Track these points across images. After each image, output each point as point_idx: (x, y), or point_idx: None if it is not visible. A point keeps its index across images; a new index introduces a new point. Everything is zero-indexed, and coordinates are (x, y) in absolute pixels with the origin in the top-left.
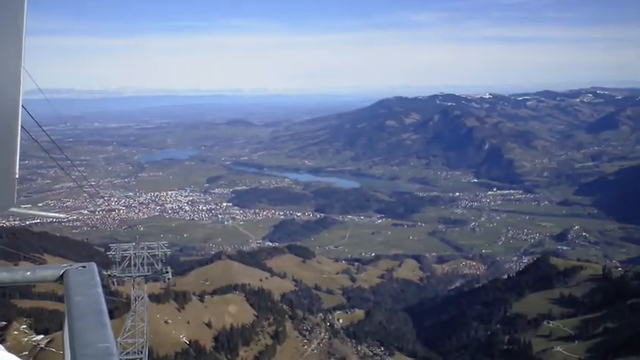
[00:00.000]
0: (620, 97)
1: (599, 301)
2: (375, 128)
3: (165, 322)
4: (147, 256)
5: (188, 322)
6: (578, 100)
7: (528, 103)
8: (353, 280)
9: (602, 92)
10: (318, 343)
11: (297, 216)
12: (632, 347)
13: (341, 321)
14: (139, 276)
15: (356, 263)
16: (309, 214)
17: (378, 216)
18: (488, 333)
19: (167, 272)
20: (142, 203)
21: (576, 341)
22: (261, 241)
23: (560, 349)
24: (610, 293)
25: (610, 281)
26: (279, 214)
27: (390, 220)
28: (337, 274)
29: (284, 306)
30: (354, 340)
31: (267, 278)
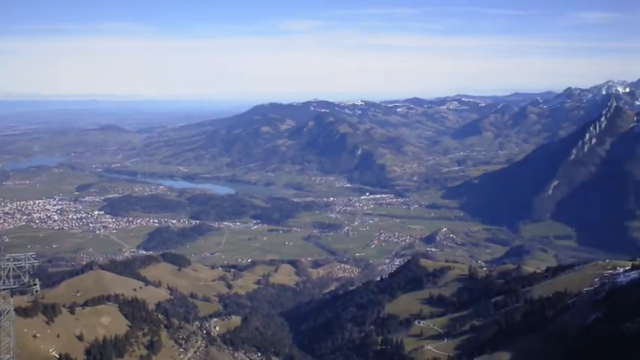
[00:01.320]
0: (483, 105)
1: (466, 300)
2: (250, 134)
3: (34, 336)
4: (13, 268)
5: (58, 336)
6: (444, 107)
7: (398, 110)
8: (229, 286)
9: (466, 100)
10: (195, 352)
11: (172, 223)
12: (496, 343)
13: (217, 328)
14: (4, 289)
15: (232, 270)
16: (184, 222)
17: (254, 222)
18: (362, 334)
19: (35, 284)
20: (6, 213)
21: (445, 339)
22: (134, 249)
23: (431, 348)
24: (476, 292)
25: (476, 281)
26: (153, 221)
27: (265, 225)
28: (213, 281)
29: (159, 315)
30: (230, 347)
31: (141, 288)
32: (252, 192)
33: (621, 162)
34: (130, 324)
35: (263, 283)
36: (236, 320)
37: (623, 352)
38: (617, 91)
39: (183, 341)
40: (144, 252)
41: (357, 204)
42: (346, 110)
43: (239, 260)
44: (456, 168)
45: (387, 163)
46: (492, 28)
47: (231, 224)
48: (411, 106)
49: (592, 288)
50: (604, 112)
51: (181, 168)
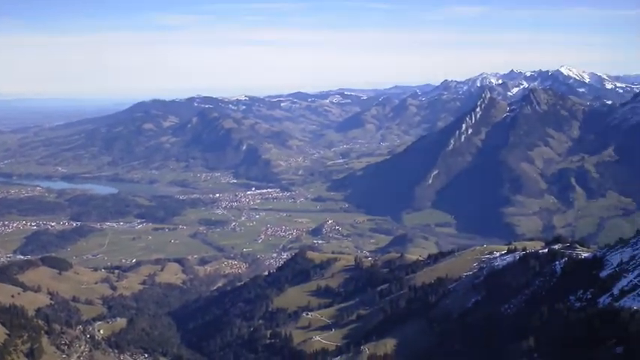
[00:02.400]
0: (365, 98)
1: (353, 289)
2: (132, 132)
3: None
4: None
5: None
6: (327, 101)
7: (282, 104)
8: (114, 288)
9: (349, 93)
10: (78, 357)
11: (52, 226)
12: (382, 330)
13: (102, 331)
14: None
15: (116, 271)
16: (64, 224)
17: (139, 221)
18: (251, 329)
19: None
20: None
21: (333, 329)
22: (11, 254)
23: (319, 339)
24: (362, 282)
25: (362, 270)
26: (30, 224)
27: (150, 224)
28: (96, 283)
29: (39, 321)
30: (116, 350)
31: (19, 294)
32: (136, 191)
33: (496, 151)
34: (7, 332)
35: (149, 283)
36: (121, 322)
37: (500, 332)
38: (490, 82)
39: (66, 347)
40: (21, 257)
41: (243, 199)
42: (230, 106)
43: (123, 261)
44: (340, 161)
45: (272, 158)
46: (372, 22)
47: (114, 224)
48: (295, 100)
49: (471, 272)
50: (479, 103)
51: (60, 168)
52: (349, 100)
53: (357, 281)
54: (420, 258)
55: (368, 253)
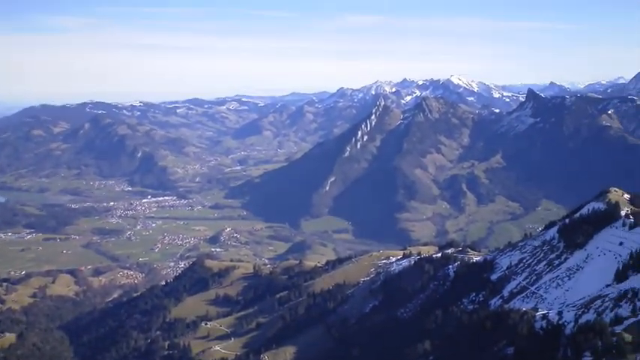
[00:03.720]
0: (262, 105)
1: (252, 297)
2: (20, 138)
3: None
4: None
5: None
6: (224, 107)
7: (179, 110)
8: (2, 302)
9: (246, 100)
10: None
11: None
12: (282, 338)
13: None
14: None
15: (4, 284)
16: None
17: (28, 231)
18: (149, 341)
19: None
20: None
21: (232, 338)
22: None
23: (218, 348)
24: (261, 289)
25: (260, 278)
26: None
27: (41, 234)
28: None
29: None
30: None
31: None
32: (25, 199)
33: (390, 157)
34: None
35: (40, 296)
36: (10, 337)
37: (397, 336)
38: (384, 91)
39: None
40: None
41: (138, 207)
42: (124, 111)
43: (12, 273)
44: (238, 168)
45: (168, 165)
46: (269, 29)
47: (1, 235)
48: (192, 106)
49: (368, 278)
50: (374, 110)
51: None
52: (246, 107)
53: (256, 289)
54: (319, 264)
55: (267, 261)
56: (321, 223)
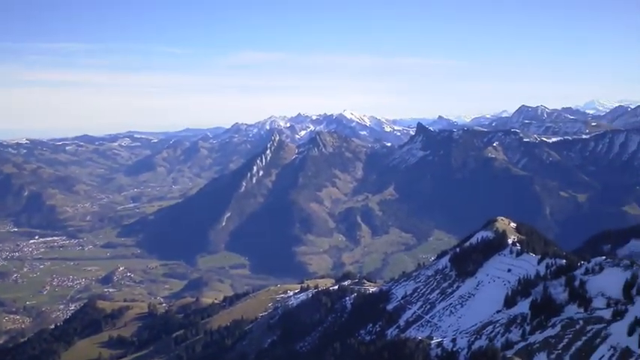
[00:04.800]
0: (155, 141)
1: (147, 338)
2: None
3: None
4: None
5: None
6: (116, 144)
7: (68, 147)
8: None
9: (138, 136)
10: None
11: None
12: None
13: None
14: None
15: None
16: None
17: None
18: None
19: None
20: None
21: None
22: None
23: None
24: (157, 329)
25: (156, 317)
26: None
27: None
28: None
29: None
30: None
31: None
32: None
33: (286, 192)
34: None
35: None
36: None
37: None
38: (279, 125)
39: None
40: None
41: (25, 249)
42: (10, 149)
43: None
44: (131, 205)
45: (57, 204)
46: (163, 65)
47: None
48: (81, 143)
49: (267, 313)
50: (269, 145)
51: None
52: (139, 143)
53: (151, 329)
54: (216, 301)
55: (162, 299)
56: (217, 259)
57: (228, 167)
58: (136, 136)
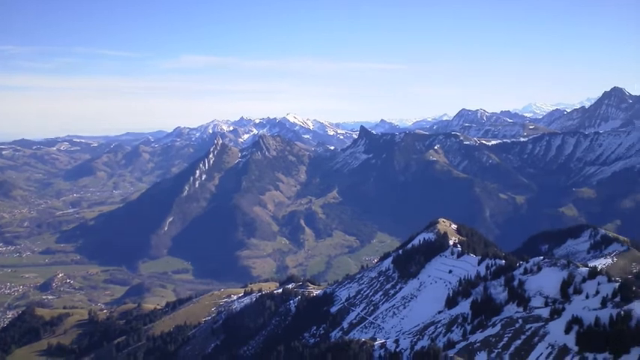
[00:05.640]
0: (95, 145)
1: (87, 345)
2: None
3: None
4: None
5: None
6: (55, 148)
7: (4, 152)
8: None
9: (78, 140)
10: None
11: None
12: None
13: None
14: None
15: None
16: None
17: None
18: None
19: None
20: None
21: None
22: None
23: None
24: (97, 336)
25: (97, 324)
26: None
27: None
28: None
29: None
30: None
31: None
32: None
33: (229, 196)
34: None
35: None
36: None
37: None
38: (222, 129)
39: None
40: None
41: None
42: None
43: None
44: (71, 210)
45: None
46: (104, 69)
47: None
48: (19, 147)
49: (210, 317)
50: (211, 149)
51: None
52: (78, 148)
53: (91, 336)
54: (158, 307)
55: (103, 306)
56: (160, 265)
57: (170, 171)
58: (75, 140)
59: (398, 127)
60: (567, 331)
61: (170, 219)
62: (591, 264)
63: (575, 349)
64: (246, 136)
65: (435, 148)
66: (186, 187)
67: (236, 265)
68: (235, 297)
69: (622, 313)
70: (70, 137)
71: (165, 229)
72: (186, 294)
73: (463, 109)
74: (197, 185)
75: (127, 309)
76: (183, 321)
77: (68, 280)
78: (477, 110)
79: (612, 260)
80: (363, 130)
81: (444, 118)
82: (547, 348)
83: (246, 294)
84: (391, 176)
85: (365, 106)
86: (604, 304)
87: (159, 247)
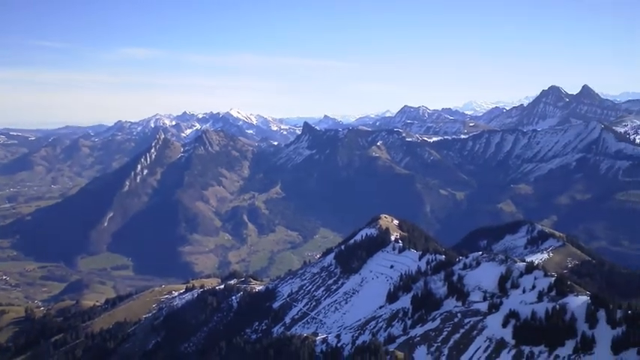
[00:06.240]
0: (33, 139)
1: (24, 343)
2: None
3: None
4: None
5: None
6: None
7: None
8: None
9: (14, 134)
10: None
11: None
12: None
13: None
14: None
15: None
16: None
17: None
18: None
19: None
20: None
21: None
22: None
23: None
24: (34, 333)
25: (33, 322)
26: None
27: None
28: None
29: None
30: None
31: None
32: None
33: (172, 191)
34: None
35: None
36: None
37: None
38: (164, 124)
39: None
40: None
41: None
42: None
43: None
44: (7, 205)
45: None
46: (38, 60)
47: None
48: None
49: (151, 314)
50: (153, 144)
51: None
52: (15, 141)
53: (28, 334)
54: (97, 304)
55: (40, 303)
56: (99, 261)
57: (111, 166)
58: (12, 133)
59: (341, 123)
60: (505, 324)
61: (110, 214)
62: (528, 259)
63: (512, 342)
64: (188, 131)
65: (378, 144)
66: (128, 182)
67: (178, 261)
68: (177, 293)
69: (557, 307)
70: (6, 130)
71: (105, 224)
72: (127, 290)
73: (405, 106)
74: (138, 180)
75: (65, 306)
76: (122, 318)
77: (4, 277)
78: (419, 107)
79: (548, 255)
80: (307, 126)
81: (387, 115)
82: (485, 341)
83: (187, 290)
84: (334, 172)
85: (309, 102)
86: (540, 298)
87: (98, 243)
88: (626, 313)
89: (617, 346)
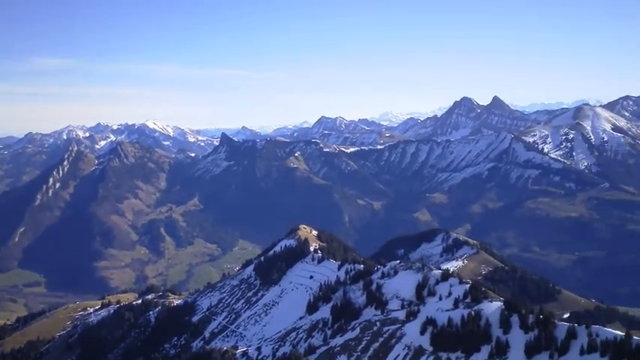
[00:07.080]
0: None
1: None
2: None
3: None
4: None
5: None
6: None
7: None
8: None
9: None
10: None
11: None
12: None
13: None
14: None
15: None
16: None
17: None
18: None
19: None
20: None
21: None
22: None
23: None
24: None
25: None
26: None
27: None
28: None
29: None
30: None
31: None
32: None
33: (86, 204)
34: None
35: None
36: None
37: None
38: (77, 135)
39: None
40: None
41: None
42: None
43: None
44: None
45: None
46: None
47: None
48: None
49: (65, 332)
50: (66, 156)
51: None
52: None
53: None
54: (8, 322)
55: None
56: (9, 278)
57: (21, 179)
58: None
59: (259, 134)
60: (422, 332)
61: (21, 229)
62: (444, 266)
63: (430, 349)
64: (103, 143)
65: (296, 155)
66: (39, 196)
67: (93, 277)
68: (92, 310)
69: (472, 313)
70: None
71: (16, 239)
72: (39, 308)
73: (323, 117)
74: (50, 194)
75: None
76: (35, 336)
77: None
78: (336, 118)
79: (463, 262)
80: (225, 137)
81: (305, 126)
82: (404, 349)
83: (103, 306)
84: (253, 183)
85: (228, 114)
86: (456, 304)
87: (9, 259)
88: (538, 317)
89: (530, 350)
